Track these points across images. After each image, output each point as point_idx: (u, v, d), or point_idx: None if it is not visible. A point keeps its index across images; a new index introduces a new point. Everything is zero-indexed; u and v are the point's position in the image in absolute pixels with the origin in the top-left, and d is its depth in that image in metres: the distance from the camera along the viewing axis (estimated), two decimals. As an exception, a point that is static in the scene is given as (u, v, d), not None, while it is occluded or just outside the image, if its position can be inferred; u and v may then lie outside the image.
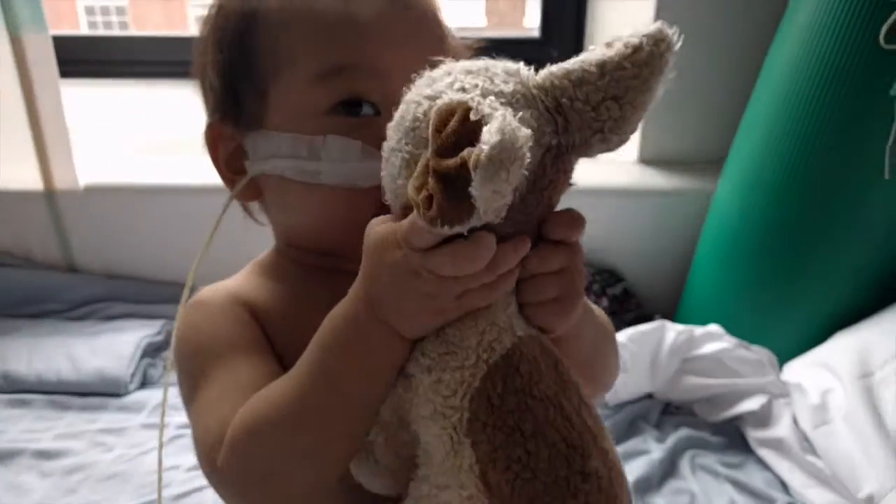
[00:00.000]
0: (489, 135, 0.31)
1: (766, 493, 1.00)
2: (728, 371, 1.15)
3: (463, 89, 0.36)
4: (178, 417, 1.11)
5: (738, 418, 1.13)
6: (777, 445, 1.05)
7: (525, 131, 0.31)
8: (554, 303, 0.40)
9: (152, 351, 1.26)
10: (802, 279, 1.19)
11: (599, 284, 1.39)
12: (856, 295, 1.19)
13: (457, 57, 0.41)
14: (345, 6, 0.46)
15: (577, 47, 1.63)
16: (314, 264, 0.50)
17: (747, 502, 0.98)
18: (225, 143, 0.51)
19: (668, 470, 1.04)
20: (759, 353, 1.17)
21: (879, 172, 1.08)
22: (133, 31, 4.52)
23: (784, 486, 1.01)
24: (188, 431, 1.09)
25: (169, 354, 0.53)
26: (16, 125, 1.29)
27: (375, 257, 0.38)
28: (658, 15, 1.39)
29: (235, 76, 0.49)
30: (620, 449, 1.05)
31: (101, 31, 4.13)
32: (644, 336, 1.15)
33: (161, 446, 0.58)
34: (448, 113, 0.33)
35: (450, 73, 0.38)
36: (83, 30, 3.96)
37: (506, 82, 0.37)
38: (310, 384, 0.40)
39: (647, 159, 1.50)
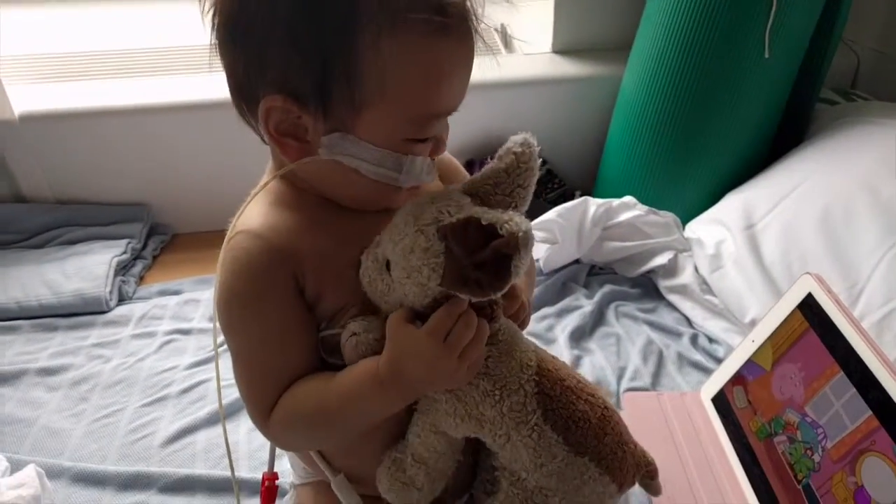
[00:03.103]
0: (516, 225, 0.46)
1: (675, 328, 1.18)
2: (641, 234, 1.29)
3: (449, 212, 0.52)
4: (166, 325, 1.21)
5: (651, 272, 1.29)
6: (682, 290, 1.23)
7: (526, 220, 0.48)
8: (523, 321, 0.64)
9: (121, 269, 1.32)
10: (698, 150, 1.33)
11: (526, 169, 1.51)
12: (742, 161, 1.35)
13: None
14: (451, 62, 0.53)
15: None
16: (326, 198, 0.60)
17: (661, 337, 1.16)
18: (280, 114, 0.53)
19: (597, 319, 1.20)
20: (666, 217, 1.32)
21: (760, 52, 1.22)
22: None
23: (689, 322, 1.20)
24: (180, 336, 1.20)
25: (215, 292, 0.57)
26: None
27: (415, 351, 0.53)
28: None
29: (331, 74, 0.50)
30: (557, 307, 1.22)
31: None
32: (570, 211, 1.26)
33: (217, 361, 0.67)
34: (463, 226, 0.48)
35: (422, 206, 0.54)
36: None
37: (459, 198, 0.54)
38: (336, 418, 0.58)
39: (560, 50, 1.58)
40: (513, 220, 0.47)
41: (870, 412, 0.73)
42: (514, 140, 0.57)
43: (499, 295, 0.51)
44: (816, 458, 0.77)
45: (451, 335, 0.52)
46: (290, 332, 0.58)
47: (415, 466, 0.60)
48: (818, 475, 0.76)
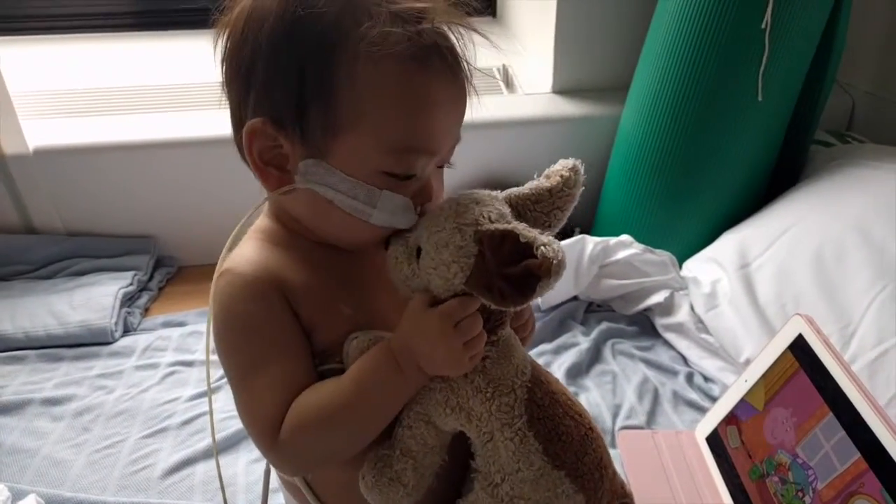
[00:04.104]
0: (553, 251, 0.48)
1: (671, 366, 1.19)
2: (638, 272, 1.31)
3: (490, 218, 0.53)
4: (169, 357, 1.23)
5: (648, 310, 1.30)
6: (678, 329, 1.24)
7: (562, 248, 0.50)
8: (527, 336, 0.64)
9: (127, 301, 1.35)
10: (695, 189, 1.35)
11: (526, 206, 1.52)
12: (738, 200, 1.37)
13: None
14: (428, 93, 0.53)
15: None
16: (315, 241, 0.60)
17: (656, 375, 1.17)
18: (263, 139, 0.54)
19: (594, 357, 1.21)
20: (663, 256, 1.34)
21: (754, 95, 1.25)
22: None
23: (685, 360, 1.21)
24: (182, 368, 1.22)
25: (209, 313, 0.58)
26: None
27: (425, 327, 0.54)
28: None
29: (309, 98, 0.52)
30: (554, 343, 1.23)
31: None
32: (568, 249, 1.28)
33: (210, 394, 0.67)
34: (501, 237, 0.50)
35: (466, 205, 0.55)
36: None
37: (501, 206, 0.55)
38: (353, 402, 0.56)
39: (560, 90, 1.61)
40: (551, 245, 0.49)
41: (858, 454, 0.74)
42: (564, 163, 0.59)
43: (512, 309, 0.53)
44: (808, 499, 0.78)
45: (462, 322, 0.53)
46: (290, 348, 0.57)
47: (402, 460, 0.60)
48: None
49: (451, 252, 0.53)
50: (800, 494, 0.79)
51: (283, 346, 0.57)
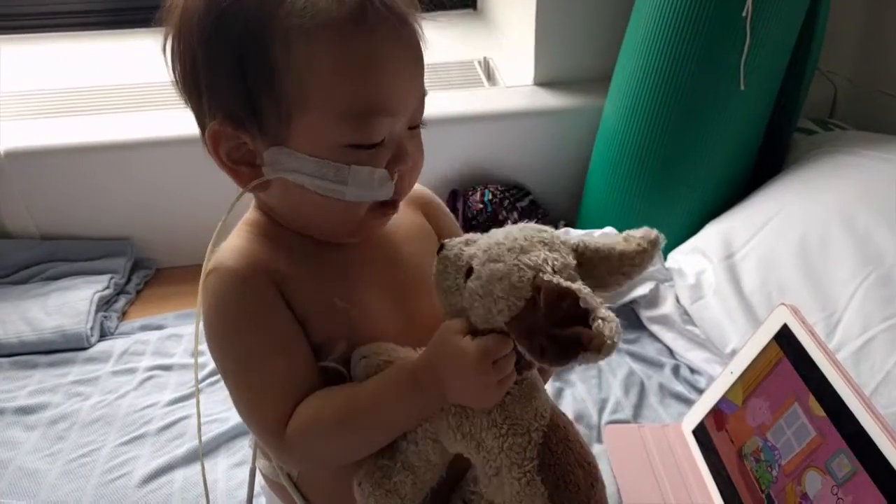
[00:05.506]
0: (610, 329, 0.46)
1: (657, 359, 1.18)
2: None
3: (554, 268, 0.51)
4: (147, 361, 1.21)
5: (633, 302, 1.29)
6: (663, 321, 1.23)
7: (620, 328, 0.47)
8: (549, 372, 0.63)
9: (104, 305, 1.32)
10: (678, 180, 1.33)
11: (510, 200, 1.50)
12: (722, 190, 1.36)
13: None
14: (370, 52, 0.50)
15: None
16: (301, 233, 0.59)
17: (642, 368, 1.16)
18: (227, 140, 0.54)
19: None
20: None
21: (736, 83, 1.23)
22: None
23: (671, 352, 1.20)
24: (161, 373, 1.19)
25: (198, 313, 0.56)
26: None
27: (460, 359, 0.52)
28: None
29: (255, 89, 0.51)
30: (539, 339, 1.23)
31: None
32: None
33: (198, 395, 0.65)
34: (560, 295, 0.48)
35: (532, 244, 0.52)
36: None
37: (567, 256, 0.52)
38: (368, 415, 0.55)
39: (541, 82, 1.60)
40: (609, 321, 0.46)
41: (814, 433, 0.77)
42: (646, 233, 0.56)
43: (546, 366, 0.51)
44: (774, 472, 0.82)
45: (500, 361, 0.52)
46: (290, 338, 0.56)
47: (402, 473, 0.59)
48: (775, 486, 0.81)
49: (504, 288, 0.51)
50: (769, 469, 0.83)
51: (282, 339, 0.56)
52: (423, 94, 0.56)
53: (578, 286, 0.49)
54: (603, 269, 0.56)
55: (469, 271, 0.53)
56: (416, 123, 0.57)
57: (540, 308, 0.49)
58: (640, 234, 0.56)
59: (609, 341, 0.46)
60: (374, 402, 0.55)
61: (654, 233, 0.56)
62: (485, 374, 0.52)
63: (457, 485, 0.68)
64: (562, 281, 0.49)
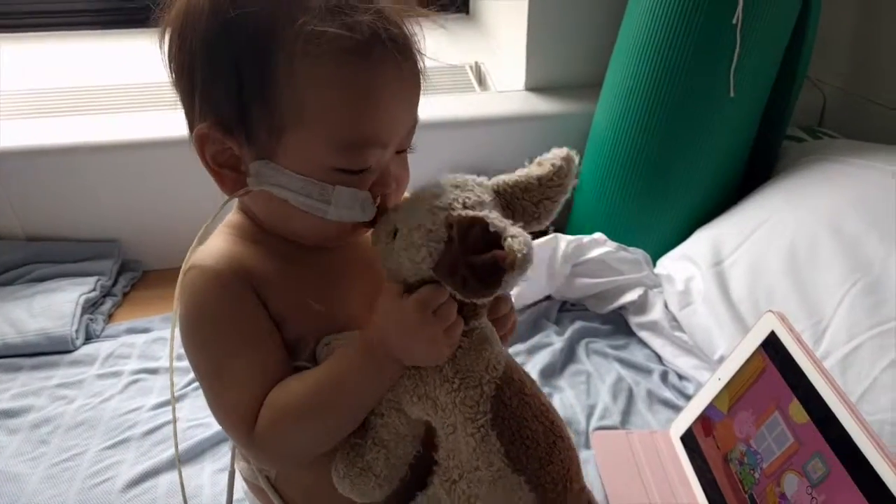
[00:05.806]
0: (520, 243, 0.46)
1: (645, 365, 1.18)
2: (611, 270, 1.30)
3: (465, 204, 0.52)
4: (133, 364, 1.19)
5: (622, 308, 1.29)
6: (652, 327, 1.23)
7: (531, 241, 0.47)
8: (506, 334, 0.61)
9: (90, 307, 1.30)
10: (668, 186, 1.34)
11: (500, 205, 1.52)
12: (711, 197, 1.36)
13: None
14: (371, 86, 0.51)
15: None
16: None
17: (631, 374, 1.16)
18: (213, 144, 0.54)
19: (568, 357, 1.19)
20: (636, 254, 1.32)
21: (726, 91, 1.24)
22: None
23: (659, 358, 1.20)
24: (146, 376, 1.18)
25: (174, 317, 0.56)
26: None
27: (401, 318, 0.52)
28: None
29: (249, 98, 0.50)
30: (528, 343, 1.21)
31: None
32: (541, 248, 1.27)
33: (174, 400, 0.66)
34: (469, 224, 0.48)
35: (445, 189, 0.53)
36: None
37: (482, 193, 0.53)
38: (330, 397, 0.55)
39: (532, 87, 1.60)
40: (518, 237, 0.46)
41: (792, 440, 0.80)
42: (556, 153, 0.56)
43: (482, 300, 0.51)
44: (756, 474, 0.84)
45: (439, 309, 0.52)
46: (262, 338, 0.56)
47: (374, 450, 0.58)
48: (757, 487, 0.83)
49: (422, 235, 0.51)
50: (752, 472, 0.84)
51: (255, 338, 0.56)
52: (415, 122, 0.57)
53: (486, 213, 0.49)
54: (528, 200, 0.56)
55: (395, 232, 0.54)
56: (404, 148, 0.57)
57: (454, 243, 0.49)
58: (551, 156, 0.56)
59: (520, 255, 0.46)
60: (335, 382, 0.55)
61: (564, 150, 0.57)
62: (428, 325, 0.52)
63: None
64: (470, 212, 0.50)
